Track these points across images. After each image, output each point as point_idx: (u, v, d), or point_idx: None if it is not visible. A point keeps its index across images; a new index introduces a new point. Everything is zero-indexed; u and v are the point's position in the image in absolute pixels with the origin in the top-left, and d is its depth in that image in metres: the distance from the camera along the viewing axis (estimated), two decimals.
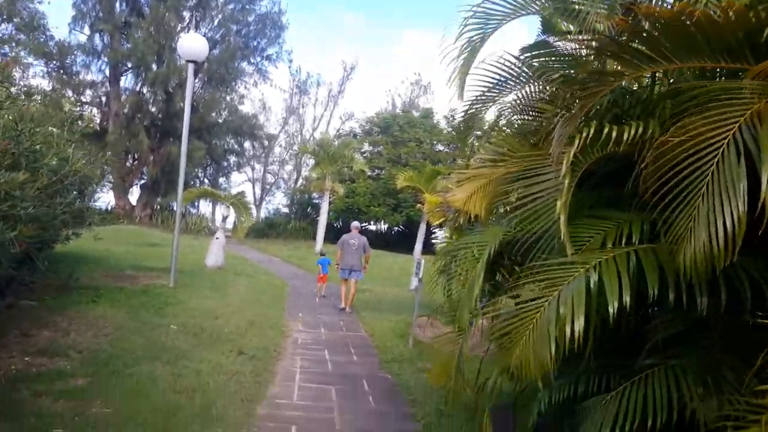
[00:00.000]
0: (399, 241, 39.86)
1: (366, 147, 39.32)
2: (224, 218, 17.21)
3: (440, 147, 39.43)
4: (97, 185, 13.79)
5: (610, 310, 2.95)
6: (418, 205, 17.56)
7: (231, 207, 16.71)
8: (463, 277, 4.47)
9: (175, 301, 10.28)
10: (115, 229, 29.71)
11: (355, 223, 14.29)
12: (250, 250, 28.88)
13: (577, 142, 3.31)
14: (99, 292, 10.29)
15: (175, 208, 41.99)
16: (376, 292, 16.33)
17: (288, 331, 10.03)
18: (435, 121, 40.89)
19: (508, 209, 4.75)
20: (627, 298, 2.94)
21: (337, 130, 46.37)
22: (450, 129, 40.35)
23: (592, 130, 3.34)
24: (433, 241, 45.72)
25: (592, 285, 3.04)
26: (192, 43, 12.15)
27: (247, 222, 16.80)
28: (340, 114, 60.89)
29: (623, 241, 3.31)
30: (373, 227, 43.24)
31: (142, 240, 26.52)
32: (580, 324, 2.94)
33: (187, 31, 39.40)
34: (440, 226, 16.32)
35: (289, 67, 58.45)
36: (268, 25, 39.56)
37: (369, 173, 36.64)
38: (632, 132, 3.33)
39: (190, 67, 12.22)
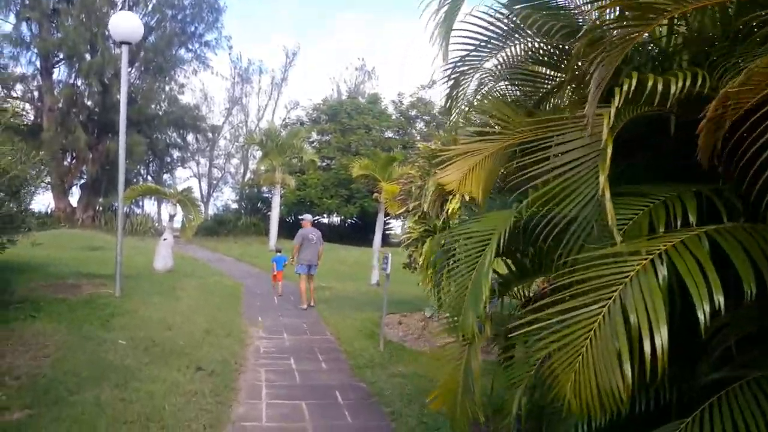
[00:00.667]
0: (353, 234, 39.32)
1: (314, 136, 38.51)
2: (171, 217, 16.27)
3: (389, 134, 38.96)
4: (33, 186, 12.80)
5: (700, 316, 2.24)
6: (375, 195, 16.98)
7: (178, 204, 15.80)
8: (463, 273, 3.75)
9: (123, 311, 9.45)
10: (55, 233, 28.19)
11: (308, 216, 13.87)
12: (199, 250, 27.86)
13: (617, 97, 2.69)
14: (38, 305, 9.39)
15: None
16: (336, 289, 15.75)
17: (248, 338, 9.36)
18: (383, 107, 40.37)
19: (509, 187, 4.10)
20: (720, 298, 2.25)
21: (283, 120, 45.29)
22: (398, 114, 39.94)
23: (634, 82, 2.72)
24: (387, 232, 45.45)
25: (661, 281, 2.37)
26: (124, 22, 11.12)
27: (197, 220, 15.93)
28: (285, 103, 59.94)
29: (677, 223, 2.63)
30: (325, 220, 42.55)
31: (85, 244, 25.24)
32: (662, 336, 2.25)
33: None
34: (400, 215, 15.85)
35: (230, 54, 56.97)
36: (204, 9, 38.06)
37: (319, 164, 35.89)
38: (680, 84, 2.70)
39: (125, 49, 11.23)
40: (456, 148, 4.05)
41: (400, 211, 11.12)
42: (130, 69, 37.70)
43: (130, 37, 11.14)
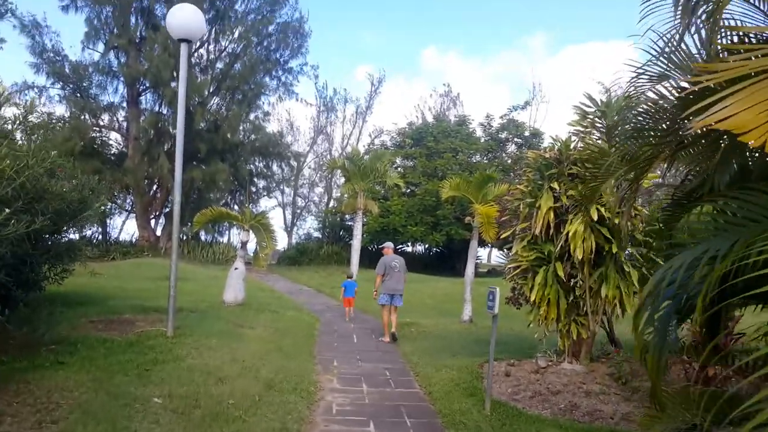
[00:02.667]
0: (438, 263, 37.27)
1: (399, 162, 36.86)
2: (243, 244, 14.86)
3: (477, 157, 36.82)
4: (91, 214, 11.52)
5: None
6: (467, 219, 14.96)
7: (250, 231, 14.37)
8: None
9: (170, 357, 7.84)
10: (135, 262, 27.82)
11: (389, 244, 13.03)
12: (279, 280, 26.60)
13: None
14: (75, 347, 7.94)
15: (206, 240, 40.59)
16: (422, 326, 13.74)
17: (318, 391, 7.52)
18: (470, 129, 38.36)
19: None
20: None
21: (367, 146, 44.05)
22: (487, 137, 37.82)
23: None
24: (495, 261, 42.94)
25: None
26: (183, 16, 9.42)
27: (269, 248, 14.42)
28: (369, 131, 58.80)
29: None
30: (409, 248, 40.70)
31: (162, 274, 24.40)
32: None
33: (206, 45, 37.74)
34: (501, 241, 13.73)
35: (315, 83, 56.48)
36: (290, 35, 37.48)
37: (404, 190, 34.20)
38: None
39: (183, 48, 9.77)
40: (741, 63, 2.07)
41: (505, 234, 9.05)
42: (214, 98, 37.69)
43: (189, 34, 9.68)
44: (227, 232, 42.47)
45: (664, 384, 7.89)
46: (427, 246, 39.45)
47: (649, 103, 4.12)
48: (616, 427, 6.47)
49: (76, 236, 11.27)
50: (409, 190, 35.08)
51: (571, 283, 8.30)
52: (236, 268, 14.26)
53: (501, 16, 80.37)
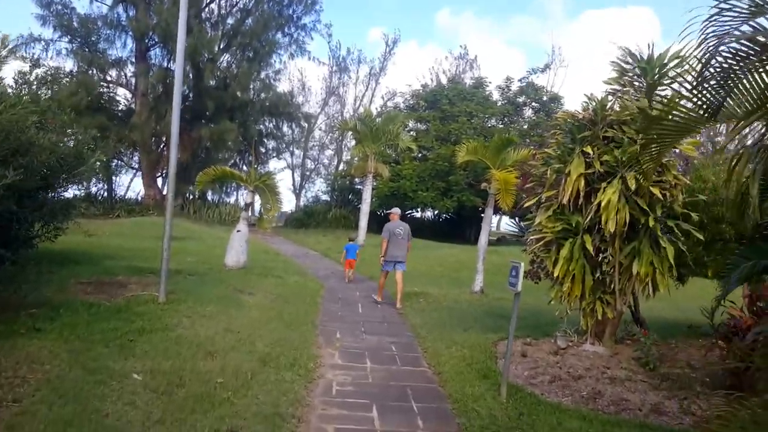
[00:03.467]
0: (448, 230, 36.51)
1: (411, 125, 35.81)
2: (247, 206, 14.18)
3: (493, 122, 35.75)
4: (86, 170, 10.79)
5: None
6: (484, 185, 14.18)
7: (255, 192, 13.68)
8: None
9: (158, 326, 7.21)
10: (138, 221, 27.28)
11: (396, 210, 12.77)
12: (285, 243, 26.01)
13: None
14: (57, 311, 7.35)
15: (208, 198, 39.86)
16: (432, 296, 13.09)
17: (318, 368, 6.89)
18: (487, 93, 37.19)
19: None
20: None
21: (380, 109, 43.00)
22: (504, 101, 36.70)
23: None
24: (505, 229, 42.09)
25: None
26: None
27: (274, 209, 13.73)
28: (382, 94, 57.60)
29: None
30: (417, 214, 39.96)
31: None
32: None
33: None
34: (515, 209, 12.99)
35: (329, 42, 55.02)
36: None
37: (416, 154, 33.31)
38: None
39: None
40: None
41: (529, 203, 8.28)
42: (224, 54, 36.64)
43: None
44: (235, 192, 41.82)
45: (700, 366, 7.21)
46: (437, 212, 38.71)
47: (743, 42, 3.32)
48: (645, 420, 5.80)
49: (73, 193, 10.68)
50: (420, 155, 34.18)
51: (599, 258, 7.56)
52: (239, 231, 13.61)
53: None
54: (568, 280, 7.57)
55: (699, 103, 3.85)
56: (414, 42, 76.19)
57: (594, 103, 7.85)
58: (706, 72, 3.54)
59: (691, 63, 3.91)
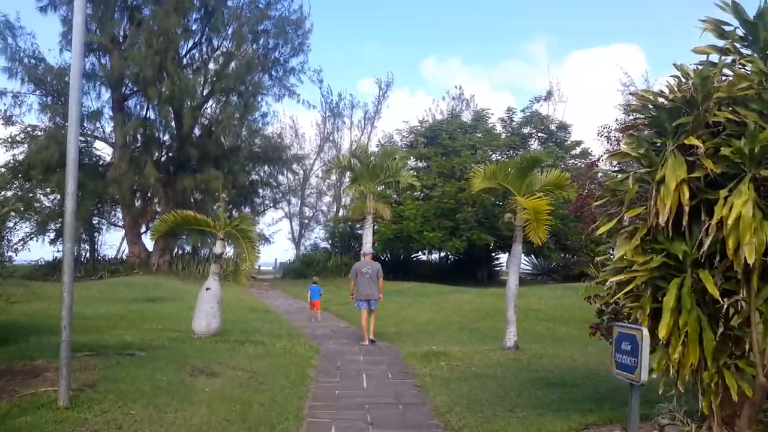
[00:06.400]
0: (456, 272, 33.78)
1: (411, 163, 33.42)
2: (217, 257, 11.58)
3: (497, 155, 33.37)
4: None
5: None
6: (507, 216, 11.60)
7: (225, 241, 11.14)
8: None
9: None
10: (113, 282, 24.66)
11: (367, 249, 13.77)
12: (279, 297, 23.36)
13: None
14: None
15: (204, 254, 36.93)
16: (455, 357, 10.37)
17: None
18: (490, 126, 34.97)
19: None
20: None
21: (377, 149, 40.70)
22: (508, 133, 34.45)
23: None
24: (496, 268, 39.32)
25: None
26: None
27: (250, 260, 11.09)
28: (378, 138, 55.76)
29: None
30: (423, 257, 37.31)
31: (144, 294, 21.20)
32: None
33: (199, 46, 34.69)
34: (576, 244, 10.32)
35: (320, 87, 52.88)
36: (289, 30, 34.13)
37: (418, 193, 30.89)
38: None
39: None
40: None
41: (603, 229, 5.62)
42: (209, 102, 34.59)
43: None
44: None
45: None
46: (444, 254, 36.07)
47: None
48: None
49: None
50: (423, 194, 31.74)
51: (723, 306, 4.92)
52: (208, 288, 10.98)
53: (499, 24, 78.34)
54: (678, 343, 4.89)
55: None
56: (405, 90, 75.50)
57: (691, 76, 5.31)
58: None
59: None
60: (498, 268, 40.73)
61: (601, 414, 6.46)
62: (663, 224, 5.00)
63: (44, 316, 12.87)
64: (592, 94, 71.18)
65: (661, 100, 5.42)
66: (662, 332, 4.84)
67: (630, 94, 5.90)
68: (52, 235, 32.75)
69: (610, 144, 16.00)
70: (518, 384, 8.36)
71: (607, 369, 9.87)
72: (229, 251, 15.23)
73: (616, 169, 5.86)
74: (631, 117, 5.73)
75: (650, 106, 5.56)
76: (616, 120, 17.98)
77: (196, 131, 32.91)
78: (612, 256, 5.56)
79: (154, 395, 6.17)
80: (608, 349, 9.86)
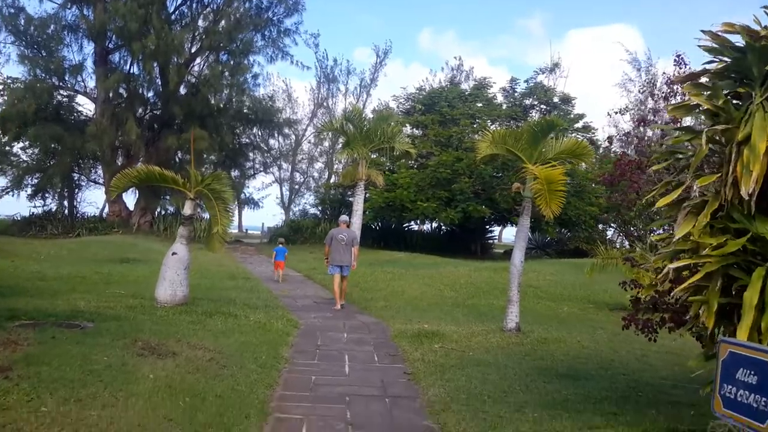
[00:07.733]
0: (449, 244, 32.61)
1: (407, 130, 31.94)
2: (186, 218, 10.30)
3: (497, 126, 31.93)
4: None
5: None
6: (516, 186, 10.37)
7: (196, 200, 9.88)
8: None
9: None
10: (87, 241, 23.38)
11: (343, 218, 13.91)
12: (263, 262, 22.08)
13: None
14: None
15: (182, 213, 35.47)
16: (450, 339, 9.23)
17: None
18: (491, 95, 33.53)
19: None
20: None
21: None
22: (510, 104, 33.04)
23: None
24: (489, 241, 38.22)
25: None
26: None
27: (222, 224, 9.81)
28: (373, 106, 54.19)
29: None
30: (414, 227, 36.13)
31: (118, 254, 19.95)
32: None
33: (188, 1, 32.94)
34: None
35: (316, 52, 50.75)
36: None
37: (413, 162, 29.56)
38: None
39: None
40: None
41: (664, 202, 4.35)
42: (197, 59, 32.93)
43: None
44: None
45: None
46: (436, 224, 34.86)
47: None
48: None
49: None
50: (418, 163, 30.37)
51: None
52: (174, 253, 9.70)
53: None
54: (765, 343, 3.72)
55: None
56: (399, 61, 73.81)
57: None
58: None
59: None
60: (491, 241, 39.64)
61: (625, 417, 5.37)
62: (747, 197, 3.77)
63: (10, 276, 11.71)
64: (590, 73, 69.85)
65: (750, 32, 4.14)
66: (741, 336, 3.65)
67: (702, 31, 4.41)
68: (29, 190, 31.55)
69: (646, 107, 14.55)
70: (523, 374, 7.22)
71: (623, 359, 8.80)
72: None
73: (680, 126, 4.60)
74: (705, 61, 4.38)
75: (726, 45, 4.28)
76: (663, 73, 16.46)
77: (182, 89, 31.42)
78: (669, 234, 4.35)
79: (82, 384, 4.93)
80: (621, 334, 8.72)
